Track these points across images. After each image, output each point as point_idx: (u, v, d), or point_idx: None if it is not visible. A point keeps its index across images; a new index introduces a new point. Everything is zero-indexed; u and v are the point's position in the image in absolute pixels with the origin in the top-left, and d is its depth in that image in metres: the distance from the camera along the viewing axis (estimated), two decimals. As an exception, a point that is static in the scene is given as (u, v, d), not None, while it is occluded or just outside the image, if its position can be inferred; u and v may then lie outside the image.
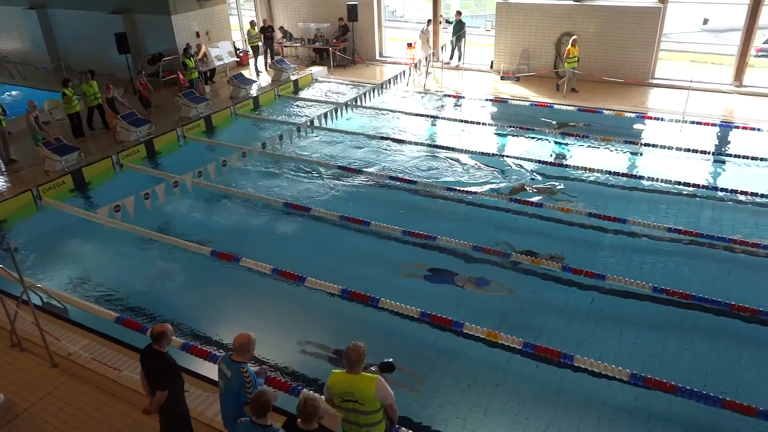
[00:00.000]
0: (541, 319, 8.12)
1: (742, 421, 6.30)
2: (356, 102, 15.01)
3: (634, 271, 8.99)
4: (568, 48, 16.92)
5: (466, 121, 15.94)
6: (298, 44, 22.09)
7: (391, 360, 5.96)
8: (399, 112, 16.85)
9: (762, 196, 11.04)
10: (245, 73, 19.63)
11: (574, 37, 16.93)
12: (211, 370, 6.98)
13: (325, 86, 19.63)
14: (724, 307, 7.95)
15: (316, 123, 13.65)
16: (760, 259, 9.24)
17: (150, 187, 9.79)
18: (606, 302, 8.39)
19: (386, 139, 14.69)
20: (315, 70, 20.46)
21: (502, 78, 18.99)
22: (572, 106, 16.32)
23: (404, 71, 16.98)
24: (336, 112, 13.90)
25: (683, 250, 9.56)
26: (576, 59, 16.99)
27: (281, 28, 22.25)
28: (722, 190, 11.54)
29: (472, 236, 9.81)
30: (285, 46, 22.36)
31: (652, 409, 6.63)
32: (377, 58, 21.92)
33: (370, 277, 9.14)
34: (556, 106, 16.41)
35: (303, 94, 19.03)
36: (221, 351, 7.41)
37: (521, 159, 13.20)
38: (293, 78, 19.36)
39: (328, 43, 21.21)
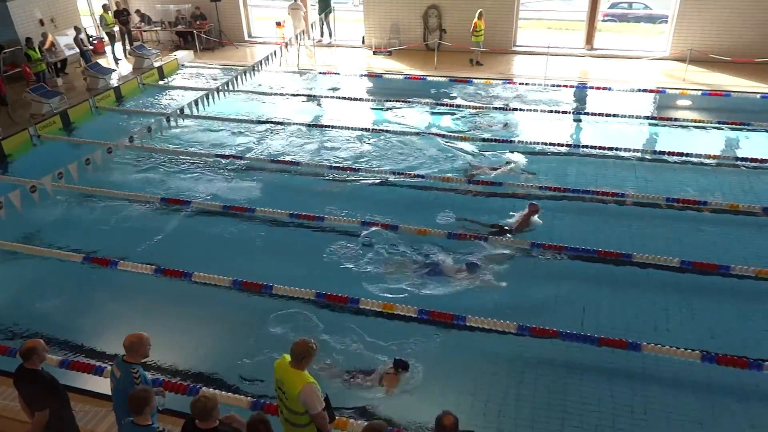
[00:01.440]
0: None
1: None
2: (228, 86, 14.44)
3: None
4: (475, 21, 17.22)
5: (344, 98, 15.93)
6: (159, 28, 20.78)
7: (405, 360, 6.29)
8: (275, 93, 16.45)
9: (616, 149, 12.11)
10: (102, 62, 18.16)
11: (480, 11, 17.17)
12: (99, 384, 6.53)
13: (193, 71, 18.68)
14: (593, 254, 8.69)
15: (187, 111, 12.96)
16: (619, 207, 10.14)
17: (2, 195, 8.83)
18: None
19: (265, 122, 14.30)
20: (180, 54, 19.37)
21: (375, 53, 19.12)
22: (444, 77, 16.84)
23: (275, 51, 16.57)
24: (207, 98, 13.29)
25: (560, 206, 10.26)
26: (482, 32, 17.33)
27: (138, 11, 20.77)
28: (584, 146, 12.54)
29: (359, 213, 9.90)
30: (144, 31, 20.94)
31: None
32: (246, 39, 21.18)
33: (261, 264, 8.94)
34: (429, 78, 16.85)
35: (170, 81, 17.99)
36: (108, 362, 6.92)
37: (400, 133, 13.43)
38: (157, 65, 18.19)
39: (192, 25, 20.13)
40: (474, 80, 16.53)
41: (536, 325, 7.19)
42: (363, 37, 20.06)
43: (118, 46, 19.56)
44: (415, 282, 8.35)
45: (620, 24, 23.69)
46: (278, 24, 20.50)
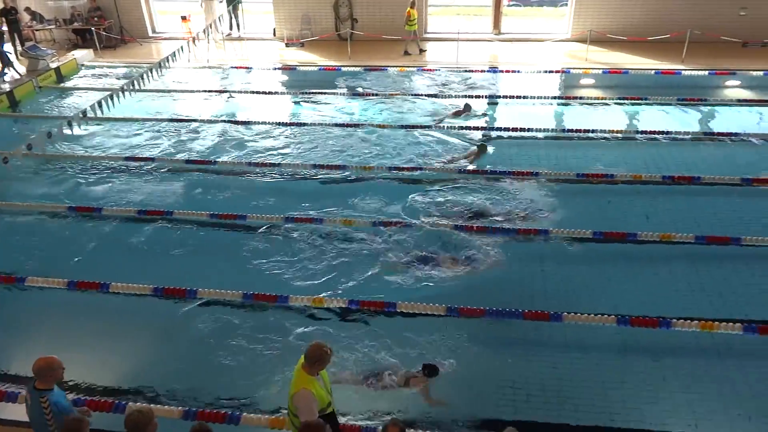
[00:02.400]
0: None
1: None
2: (134, 85, 13.79)
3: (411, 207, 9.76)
4: (408, 10, 17.21)
5: (259, 92, 15.61)
6: (53, 26, 19.46)
7: (434, 364, 6.24)
8: (185, 91, 15.86)
9: (529, 130, 12.57)
10: (-10, 65, 16.80)
11: (412, 0, 17.18)
12: (12, 411, 6.12)
13: (95, 71, 17.66)
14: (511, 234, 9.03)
15: (90, 113, 12.27)
16: (524, 182, 10.52)
17: None
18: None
19: (176, 121, 13.74)
20: (79, 54, 18.25)
21: (287, 45, 18.83)
22: (359, 66, 16.84)
23: (182, 46, 15.95)
24: (112, 98, 12.63)
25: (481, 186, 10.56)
26: (415, 21, 17.30)
27: (27, 9, 19.34)
28: (497, 129, 12.93)
29: (287, 209, 9.79)
30: (36, 30, 19.54)
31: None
32: (150, 35, 20.26)
33: (183, 267, 8.64)
34: (344, 68, 16.79)
35: (69, 83, 16.91)
36: (21, 387, 6.46)
37: (319, 125, 13.32)
38: (54, 65, 17.06)
39: (89, 22, 18.99)
40: (388, 68, 16.64)
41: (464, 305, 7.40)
42: (274, 30, 19.68)
43: (8, 46, 18.14)
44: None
45: (524, 8, 24.52)
46: (183, 18, 19.74)
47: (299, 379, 4.76)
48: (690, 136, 12.17)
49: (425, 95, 14.87)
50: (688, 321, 6.98)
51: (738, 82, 15.36)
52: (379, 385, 6.38)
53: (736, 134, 12.07)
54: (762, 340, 6.86)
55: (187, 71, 17.08)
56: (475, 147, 11.57)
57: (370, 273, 8.32)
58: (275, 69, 17.28)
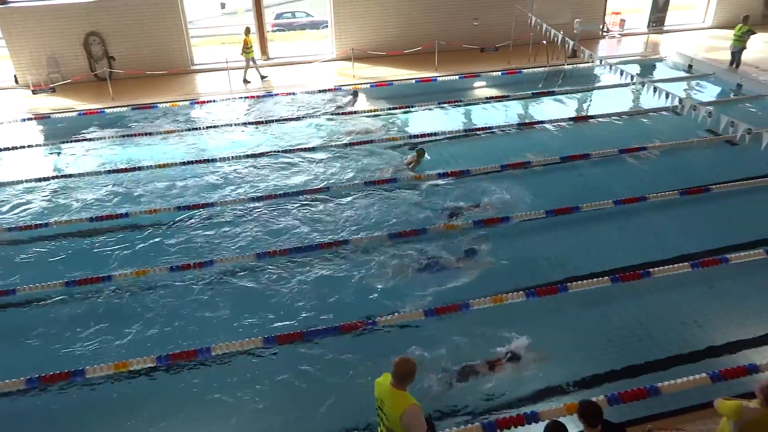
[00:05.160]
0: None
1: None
2: None
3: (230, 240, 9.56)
4: (244, 38, 16.75)
5: (6, 149, 13.66)
6: None
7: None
8: None
9: (310, 149, 12.93)
10: None
11: (246, 27, 16.58)
12: None
13: None
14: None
15: None
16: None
17: None
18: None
19: None
20: None
21: (35, 92, 16.79)
22: (125, 106, 15.70)
23: None
24: None
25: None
26: (252, 49, 17.03)
27: None
28: (270, 153, 12.94)
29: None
30: None
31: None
32: None
33: None
34: (107, 110, 15.50)
35: None
36: None
37: (77, 176, 12.13)
38: None
39: None
40: (159, 105, 15.79)
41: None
42: (15, 76, 17.43)
43: None
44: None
45: (289, 32, 25.22)
46: None
47: (399, 398, 4.61)
48: (451, 134, 13.63)
49: (203, 128, 14.43)
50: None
51: (483, 83, 17.59)
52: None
53: (489, 128, 13.87)
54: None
55: None
56: (414, 153, 11.98)
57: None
58: (25, 120, 15.28)
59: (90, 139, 13.95)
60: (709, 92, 16.55)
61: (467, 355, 7.01)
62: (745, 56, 16.91)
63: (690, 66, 17.94)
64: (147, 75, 17.35)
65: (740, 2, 21.23)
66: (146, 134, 14.06)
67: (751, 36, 16.40)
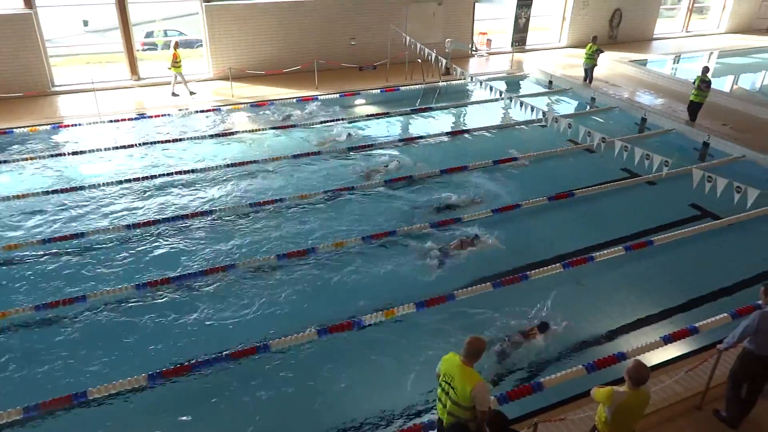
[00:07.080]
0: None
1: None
2: None
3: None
4: (173, 52, 16.17)
5: None
6: None
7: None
8: None
9: (191, 171, 12.44)
10: None
11: (176, 40, 15.93)
12: None
13: None
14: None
15: None
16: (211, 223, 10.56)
17: None
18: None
19: None
20: None
21: None
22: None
23: None
24: None
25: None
26: (180, 63, 16.46)
27: None
28: (162, 175, 12.37)
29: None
30: None
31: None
32: None
33: None
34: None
35: None
36: None
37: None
38: None
39: None
40: (15, 130, 14.41)
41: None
42: None
43: None
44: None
45: (160, 52, 24.09)
46: None
47: (469, 375, 4.98)
48: (337, 151, 13.75)
49: (66, 154, 13.37)
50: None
51: (363, 100, 17.91)
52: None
53: (371, 144, 14.16)
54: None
55: None
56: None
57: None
58: None
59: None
60: (567, 106, 18.11)
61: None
62: (597, 72, 18.81)
63: (550, 82, 19.53)
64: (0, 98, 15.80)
65: (589, 24, 23.66)
66: (3, 161, 12.80)
67: (600, 54, 18.31)
